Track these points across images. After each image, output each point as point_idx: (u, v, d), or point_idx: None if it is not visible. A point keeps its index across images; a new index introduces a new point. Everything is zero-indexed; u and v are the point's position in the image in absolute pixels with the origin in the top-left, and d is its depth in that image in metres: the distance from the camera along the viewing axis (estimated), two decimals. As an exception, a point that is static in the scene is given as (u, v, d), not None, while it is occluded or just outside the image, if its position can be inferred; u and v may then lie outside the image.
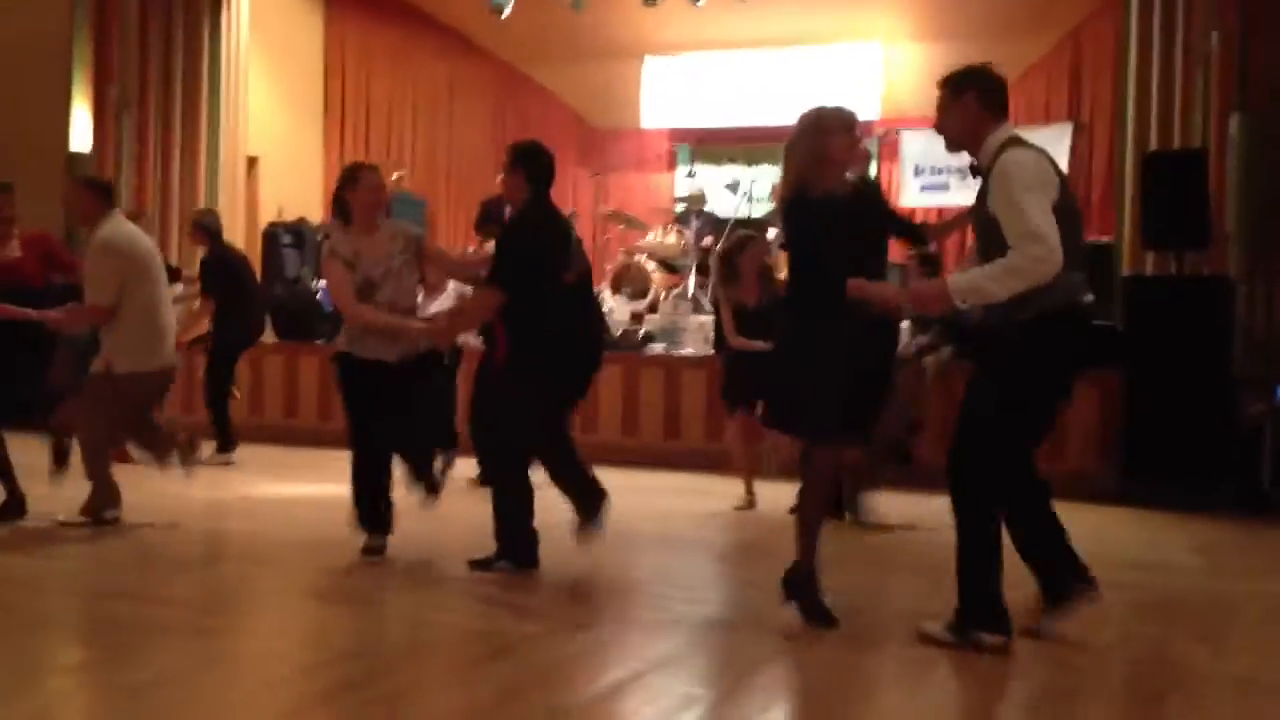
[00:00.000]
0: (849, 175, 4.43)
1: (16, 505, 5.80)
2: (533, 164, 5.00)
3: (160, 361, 5.83)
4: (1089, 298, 3.87)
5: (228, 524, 6.14)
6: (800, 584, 4.14)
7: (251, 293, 8.94)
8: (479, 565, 4.95)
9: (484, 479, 6.52)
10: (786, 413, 4.25)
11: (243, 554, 5.41)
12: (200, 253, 9.21)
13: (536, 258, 4.90)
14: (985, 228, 3.85)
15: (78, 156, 11.46)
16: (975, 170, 3.98)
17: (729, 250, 7.08)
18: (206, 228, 8.77)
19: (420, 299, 6.77)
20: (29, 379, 6.02)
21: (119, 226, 5.80)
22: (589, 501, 5.09)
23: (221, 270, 8.59)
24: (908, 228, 4.89)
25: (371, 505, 5.28)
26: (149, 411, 6.08)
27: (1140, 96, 9.34)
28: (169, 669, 3.43)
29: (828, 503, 4.30)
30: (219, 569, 5.17)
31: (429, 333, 5.30)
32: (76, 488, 5.88)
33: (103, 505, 5.74)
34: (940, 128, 4.03)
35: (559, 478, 5.13)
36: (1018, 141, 3.87)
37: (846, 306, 3.91)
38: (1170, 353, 7.62)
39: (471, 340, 8.37)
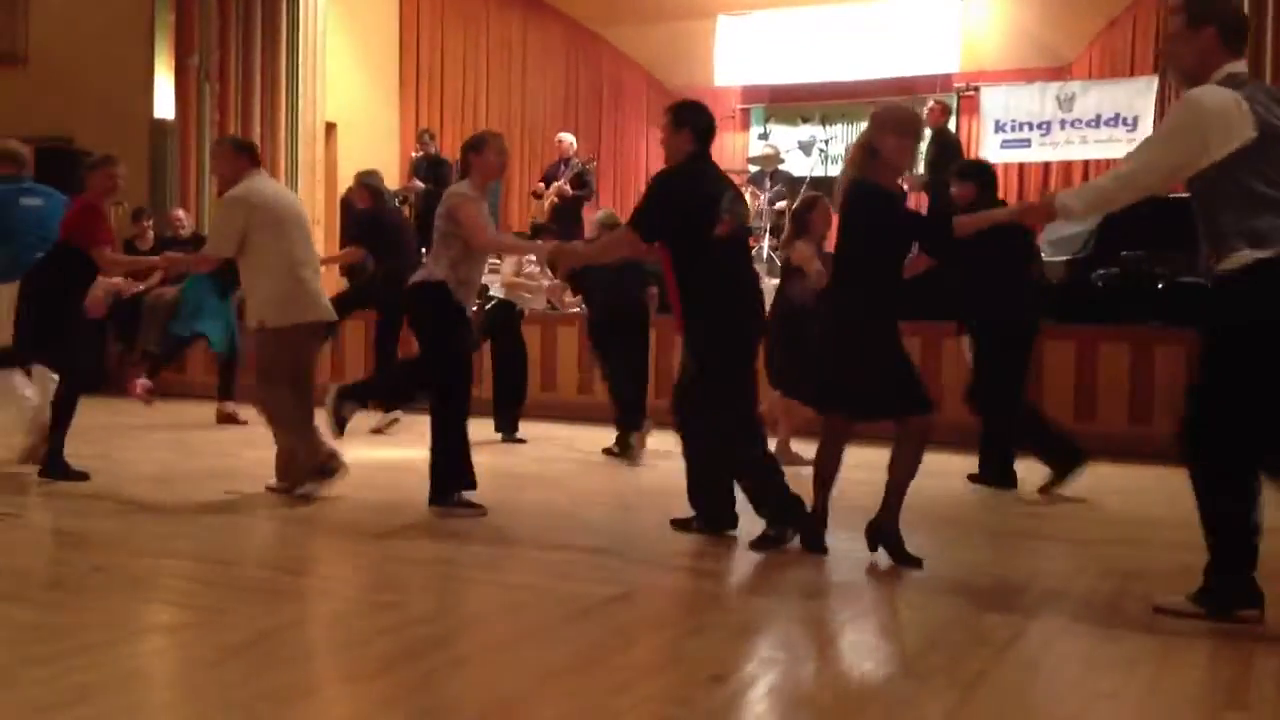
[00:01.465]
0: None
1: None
2: (698, 120, 5.00)
3: (312, 315, 5.73)
4: None
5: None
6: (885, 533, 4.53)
7: (404, 252, 9.00)
8: (681, 525, 5.08)
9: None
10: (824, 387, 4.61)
11: (325, 517, 5.50)
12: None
13: (678, 209, 4.85)
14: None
15: (162, 124, 11.69)
16: None
17: (801, 207, 7.10)
18: (374, 188, 8.98)
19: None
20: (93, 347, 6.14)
21: (253, 182, 5.75)
22: (785, 514, 4.82)
23: (376, 227, 8.78)
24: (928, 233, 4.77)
25: (467, 465, 5.43)
26: (309, 376, 5.90)
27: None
28: (263, 629, 3.51)
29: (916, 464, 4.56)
30: (303, 531, 5.27)
31: (556, 251, 5.72)
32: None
33: (310, 470, 5.68)
34: (1173, 57, 3.91)
35: (754, 480, 4.91)
36: (1230, 79, 3.66)
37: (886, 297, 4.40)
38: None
39: (536, 303, 8.50)
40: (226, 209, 5.75)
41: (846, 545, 5.20)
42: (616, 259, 6.30)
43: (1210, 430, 3.70)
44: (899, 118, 4.58)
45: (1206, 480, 3.72)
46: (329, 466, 5.71)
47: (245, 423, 8.17)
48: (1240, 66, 3.74)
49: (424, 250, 12.00)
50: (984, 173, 6.67)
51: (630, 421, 7.44)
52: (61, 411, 5.89)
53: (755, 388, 5.01)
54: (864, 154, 4.51)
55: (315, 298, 5.76)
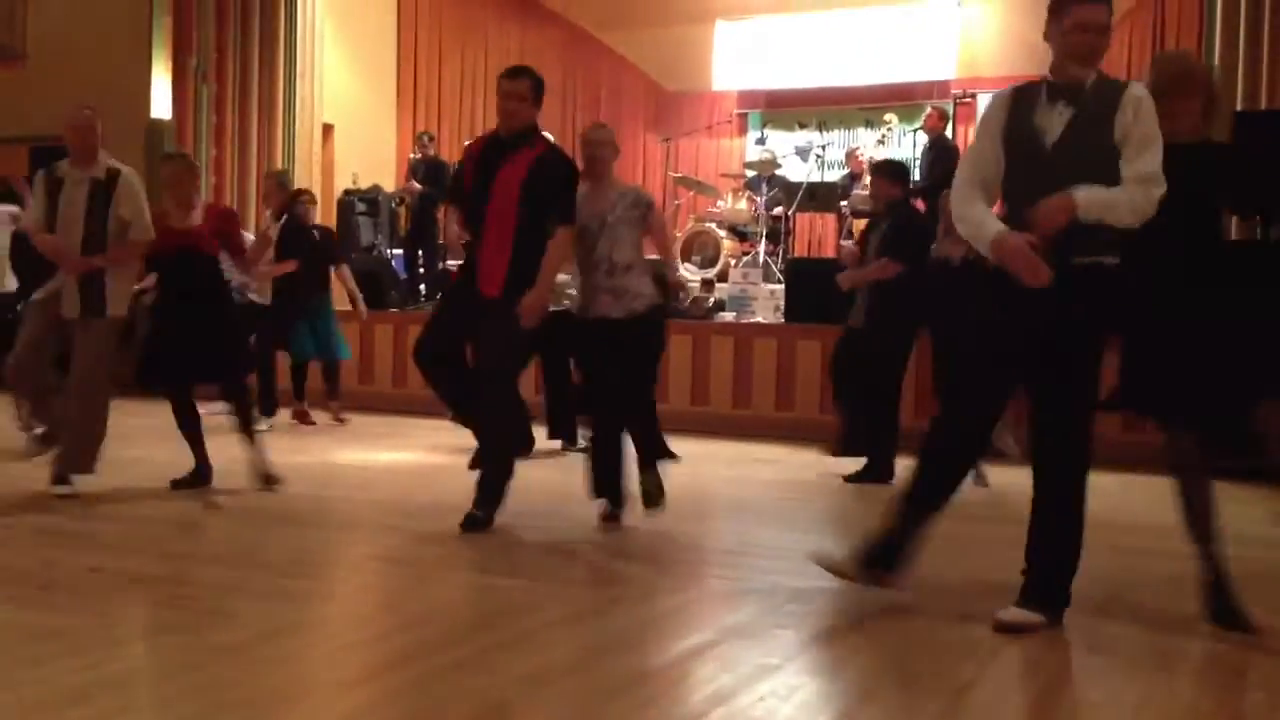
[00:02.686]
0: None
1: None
2: (541, 100, 5.11)
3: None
4: None
5: (306, 489, 6.25)
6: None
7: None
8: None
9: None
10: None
11: (322, 519, 5.51)
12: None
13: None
14: (1084, 158, 3.68)
15: (159, 124, 11.67)
16: (1069, 97, 3.74)
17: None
18: (287, 186, 8.90)
19: None
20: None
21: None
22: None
23: (302, 236, 8.74)
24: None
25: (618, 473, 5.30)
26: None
27: (1226, 53, 9.09)
28: (255, 632, 3.51)
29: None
30: (299, 533, 5.27)
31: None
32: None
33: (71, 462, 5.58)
34: (1103, 50, 3.77)
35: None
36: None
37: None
38: (1255, 320, 7.42)
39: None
40: (139, 188, 5.66)
41: (829, 550, 5.21)
42: None
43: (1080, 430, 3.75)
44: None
45: (1072, 484, 3.80)
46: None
47: (314, 423, 8.41)
48: None
49: (420, 253, 12.14)
50: (906, 173, 7.45)
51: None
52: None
53: None
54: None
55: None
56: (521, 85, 5.04)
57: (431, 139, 12.93)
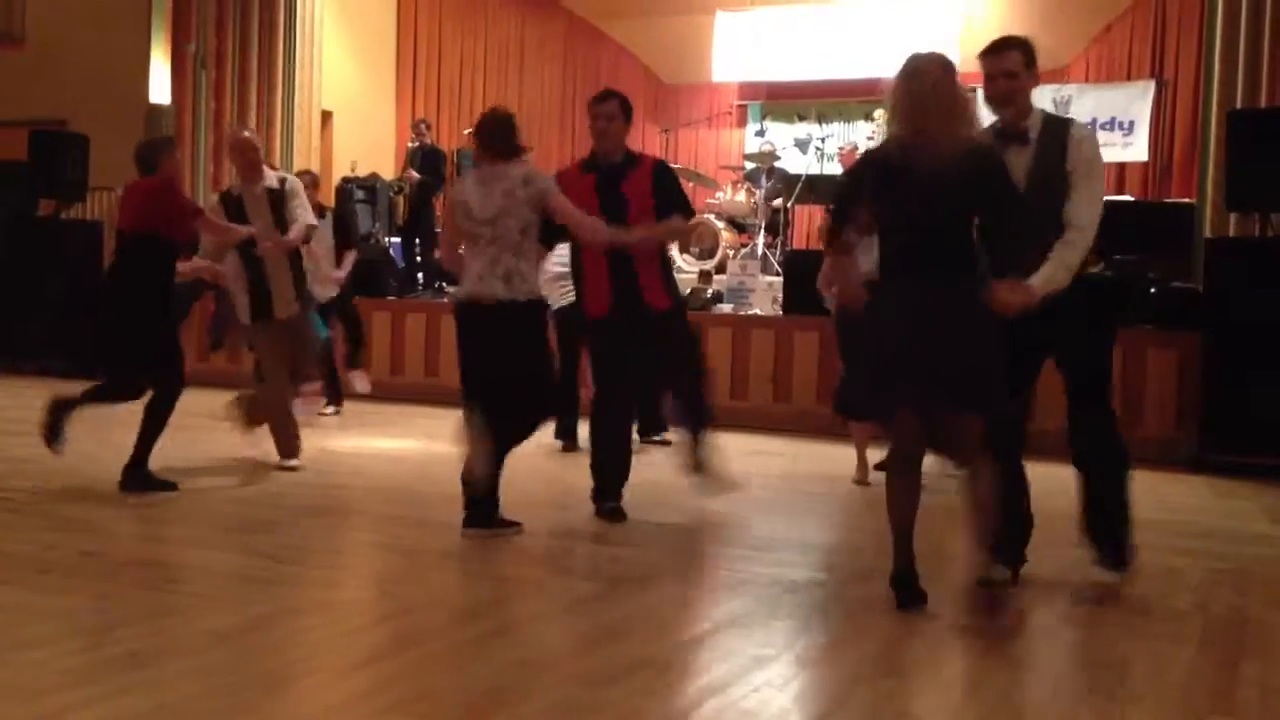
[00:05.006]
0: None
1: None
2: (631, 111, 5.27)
3: None
4: None
5: (308, 477, 6.25)
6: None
7: None
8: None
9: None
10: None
11: (322, 506, 5.51)
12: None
13: None
14: (1041, 192, 3.89)
15: (158, 109, 11.65)
16: (1014, 136, 3.98)
17: None
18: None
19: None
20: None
21: None
22: None
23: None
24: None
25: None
26: None
27: (1226, 52, 9.07)
28: (252, 617, 3.52)
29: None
30: (300, 520, 5.27)
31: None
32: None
33: None
34: (1014, 93, 4.01)
35: None
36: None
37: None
38: (1252, 317, 7.45)
39: None
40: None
41: (825, 541, 5.21)
42: None
43: None
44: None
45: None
46: None
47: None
48: None
49: (418, 241, 12.13)
50: None
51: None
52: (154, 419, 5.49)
53: None
54: (961, 106, 3.68)
55: None
56: (611, 106, 5.19)
57: (428, 126, 12.90)
